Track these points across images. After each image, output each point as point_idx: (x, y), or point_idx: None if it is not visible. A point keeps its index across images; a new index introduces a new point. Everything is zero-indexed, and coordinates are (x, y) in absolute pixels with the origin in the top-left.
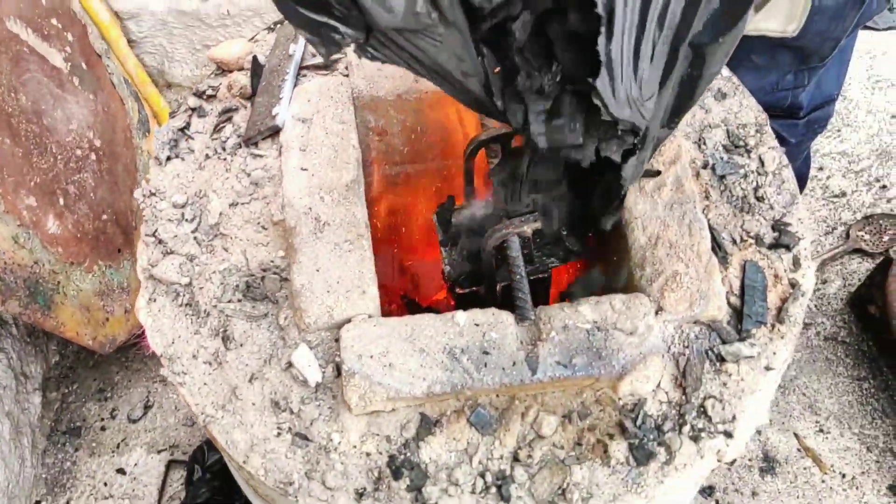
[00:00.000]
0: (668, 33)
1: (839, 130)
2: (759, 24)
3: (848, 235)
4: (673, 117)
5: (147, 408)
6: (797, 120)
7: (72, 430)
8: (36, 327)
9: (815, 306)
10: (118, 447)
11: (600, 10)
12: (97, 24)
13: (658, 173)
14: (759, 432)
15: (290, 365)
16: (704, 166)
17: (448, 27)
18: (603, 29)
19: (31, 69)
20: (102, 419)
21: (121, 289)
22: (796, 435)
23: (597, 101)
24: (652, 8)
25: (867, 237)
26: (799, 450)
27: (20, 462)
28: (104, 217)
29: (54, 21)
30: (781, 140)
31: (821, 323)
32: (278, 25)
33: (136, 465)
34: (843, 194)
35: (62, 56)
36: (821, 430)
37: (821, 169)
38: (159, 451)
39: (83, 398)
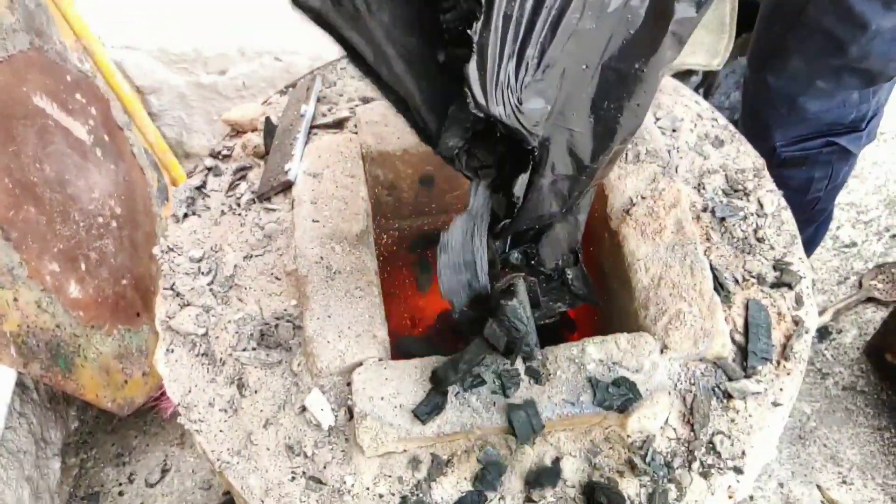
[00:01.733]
0: (574, 49)
1: (846, 182)
2: (687, 58)
3: (860, 285)
4: (604, 143)
5: (164, 472)
6: (860, 132)
7: (90, 496)
8: (56, 393)
9: (832, 356)
10: None
11: None
12: (120, 98)
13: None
14: (781, 485)
15: (303, 409)
16: (704, 209)
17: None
18: (481, 15)
19: (56, 141)
20: (120, 484)
21: (139, 352)
22: (819, 487)
23: (465, 88)
24: (543, 14)
25: (880, 286)
26: (823, 502)
27: None
28: (124, 282)
29: (78, 96)
30: (847, 153)
31: (838, 373)
32: (290, 88)
33: None
34: (854, 244)
35: (86, 129)
36: (844, 482)
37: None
38: None
39: (102, 463)
